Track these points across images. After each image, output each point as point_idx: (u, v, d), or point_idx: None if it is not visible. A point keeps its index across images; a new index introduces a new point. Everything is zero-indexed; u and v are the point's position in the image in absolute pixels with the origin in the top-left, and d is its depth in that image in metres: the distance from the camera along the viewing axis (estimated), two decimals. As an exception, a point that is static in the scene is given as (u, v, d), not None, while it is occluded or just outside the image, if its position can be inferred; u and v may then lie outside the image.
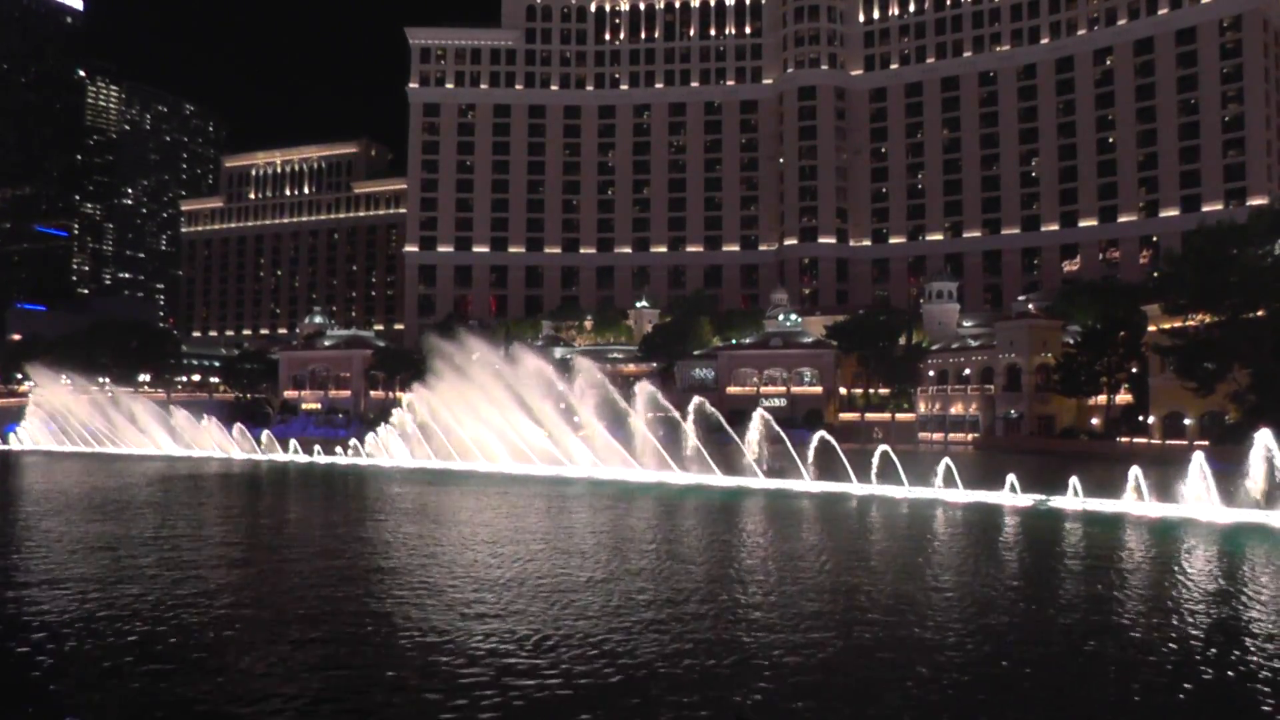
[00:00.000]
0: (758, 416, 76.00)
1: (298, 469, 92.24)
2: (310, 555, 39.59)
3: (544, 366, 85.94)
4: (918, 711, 20.15)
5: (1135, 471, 53.62)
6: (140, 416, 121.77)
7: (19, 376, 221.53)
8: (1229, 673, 22.82)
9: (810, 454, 69.27)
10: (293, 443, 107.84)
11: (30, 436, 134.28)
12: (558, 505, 57.63)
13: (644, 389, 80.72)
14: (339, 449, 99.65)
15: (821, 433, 72.41)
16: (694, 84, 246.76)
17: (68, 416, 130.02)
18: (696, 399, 79.73)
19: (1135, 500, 53.28)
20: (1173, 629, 26.94)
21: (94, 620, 27.30)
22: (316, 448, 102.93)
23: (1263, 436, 50.09)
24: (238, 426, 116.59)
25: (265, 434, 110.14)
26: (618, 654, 23.79)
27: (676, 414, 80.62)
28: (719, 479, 71.32)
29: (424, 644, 24.73)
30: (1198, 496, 50.89)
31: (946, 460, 62.71)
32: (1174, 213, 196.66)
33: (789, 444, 71.79)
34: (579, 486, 69.92)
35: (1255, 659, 23.77)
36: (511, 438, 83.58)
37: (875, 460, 65.07)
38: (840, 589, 32.55)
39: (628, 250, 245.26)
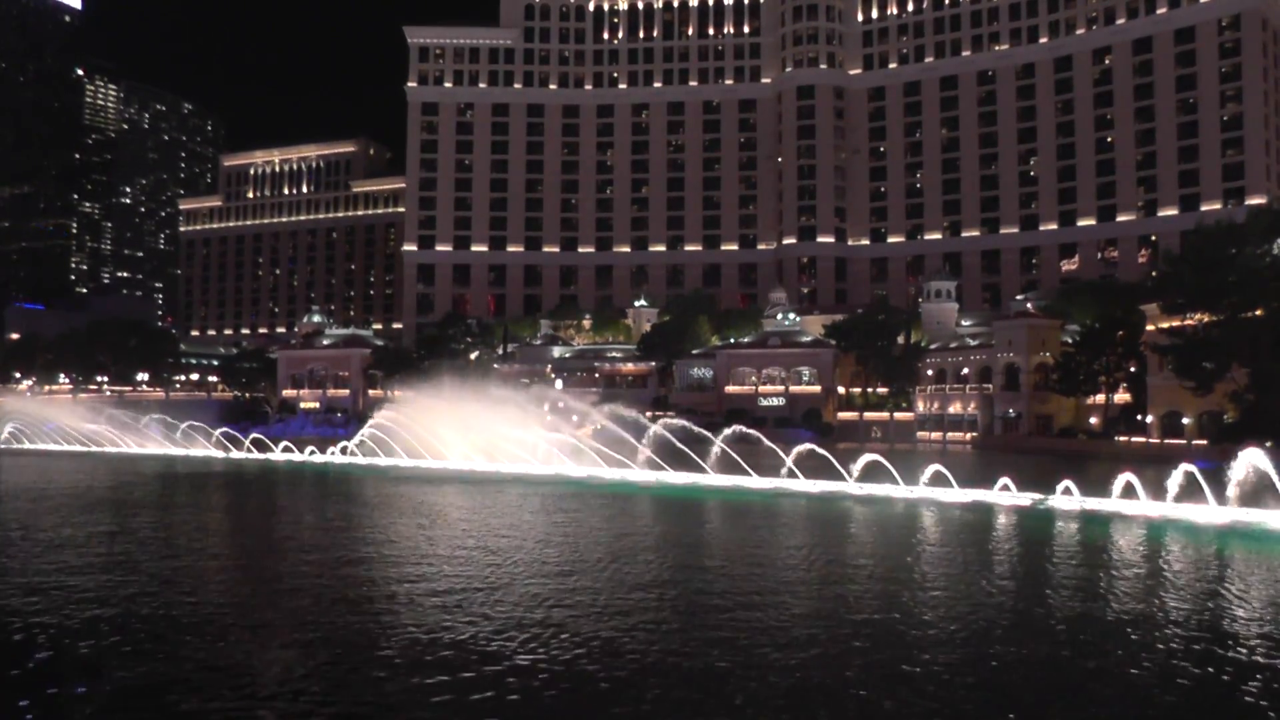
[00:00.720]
0: (729, 430, 77.00)
1: (289, 468, 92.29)
2: (286, 549, 39.49)
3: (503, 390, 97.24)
4: (914, 713, 20.03)
5: (1129, 476, 53.65)
6: (110, 420, 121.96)
7: (17, 376, 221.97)
8: (1215, 674, 22.71)
9: (792, 459, 69.05)
10: (284, 443, 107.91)
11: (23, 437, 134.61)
12: (499, 501, 57.60)
13: (603, 411, 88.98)
14: (332, 449, 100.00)
15: (808, 445, 72.73)
16: (693, 83, 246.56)
17: (50, 419, 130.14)
18: (663, 421, 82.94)
19: (1131, 500, 53.23)
20: (1166, 629, 26.83)
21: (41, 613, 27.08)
22: (311, 449, 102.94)
23: (1249, 455, 50.20)
24: (220, 430, 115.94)
25: (252, 435, 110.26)
26: (612, 651, 23.62)
27: (643, 418, 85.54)
28: (713, 479, 71.14)
29: (417, 641, 24.52)
30: (1191, 498, 50.95)
31: (937, 466, 62.30)
32: (1173, 212, 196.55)
33: (775, 446, 71.94)
34: (542, 485, 70.27)
35: (1240, 658, 23.63)
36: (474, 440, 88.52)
37: (861, 461, 65.24)
38: (832, 588, 32.42)
39: (626, 249, 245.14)
